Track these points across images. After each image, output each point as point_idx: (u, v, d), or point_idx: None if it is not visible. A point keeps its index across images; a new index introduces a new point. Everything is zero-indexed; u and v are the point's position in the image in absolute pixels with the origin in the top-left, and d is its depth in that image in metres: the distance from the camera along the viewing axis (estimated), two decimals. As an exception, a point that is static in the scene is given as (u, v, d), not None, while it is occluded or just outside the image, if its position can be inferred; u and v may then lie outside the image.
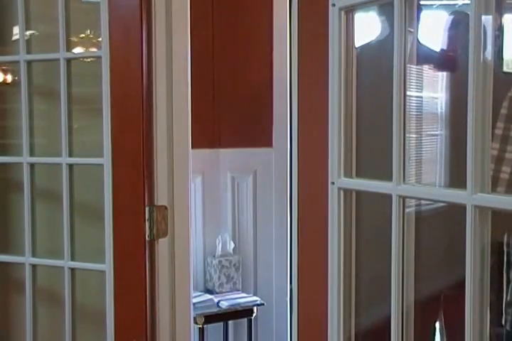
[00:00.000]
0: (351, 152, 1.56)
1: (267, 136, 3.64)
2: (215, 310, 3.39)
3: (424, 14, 2.02)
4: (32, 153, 2.20)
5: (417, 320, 1.56)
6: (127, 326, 2.08)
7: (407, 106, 1.41)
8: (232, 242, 3.61)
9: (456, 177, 1.67)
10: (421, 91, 1.89)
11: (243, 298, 3.49)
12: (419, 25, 2.02)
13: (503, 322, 1.76)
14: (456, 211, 1.29)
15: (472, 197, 1.22)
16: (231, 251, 3.59)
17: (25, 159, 2.19)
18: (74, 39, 2.15)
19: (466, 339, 1.25)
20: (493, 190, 1.55)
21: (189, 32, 2.11)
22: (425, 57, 2.05)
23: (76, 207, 2.16)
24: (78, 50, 2.20)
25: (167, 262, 2.10)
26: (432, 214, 1.73)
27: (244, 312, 3.48)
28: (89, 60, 2.22)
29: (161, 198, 2.06)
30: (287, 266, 3.55)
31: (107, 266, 2.06)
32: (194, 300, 2.87)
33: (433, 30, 2.09)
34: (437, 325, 2.14)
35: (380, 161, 1.48)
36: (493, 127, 1.71)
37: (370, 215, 1.69)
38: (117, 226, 2.05)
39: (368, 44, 1.95)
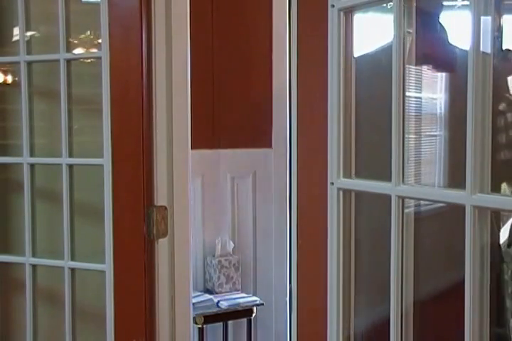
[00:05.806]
0: (350, 152, 1.56)
1: (267, 137, 3.65)
2: (214, 310, 3.39)
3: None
4: (32, 154, 2.21)
5: (416, 320, 1.56)
6: (127, 326, 2.09)
7: (406, 107, 1.42)
8: (231, 242, 3.61)
9: (456, 178, 1.67)
10: (420, 92, 1.89)
11: (243, 298, 3.50)
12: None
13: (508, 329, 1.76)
14: (456, 211, 1.29)
15: (471, 197, 1.22)
16: (230, 251, 3.59)
17: (26, 159, 2.19)
18: (74, 40, 2.15)
19: (466, 340, 1.25)
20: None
21: (189, 33, 2.11)
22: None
23: (76, 208, 2.17)
24: (78, 50, 2.20)
25: (167, 262, 2.10)
26: (432, 214, 1.73)
27: (243, 312, 3.48)
28: (89, 60, 2.23)
29: (160, 198, 2.07)
30: (287, 266, 3.55)
31: (107, 266, 2.06)
32: (194, 300, 2.88)
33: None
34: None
35: (379, 162, 1.48)
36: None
37: (369, 215, 1.69)
38: (117, 226, 2.05)
39: (366, 45, 1.95)
